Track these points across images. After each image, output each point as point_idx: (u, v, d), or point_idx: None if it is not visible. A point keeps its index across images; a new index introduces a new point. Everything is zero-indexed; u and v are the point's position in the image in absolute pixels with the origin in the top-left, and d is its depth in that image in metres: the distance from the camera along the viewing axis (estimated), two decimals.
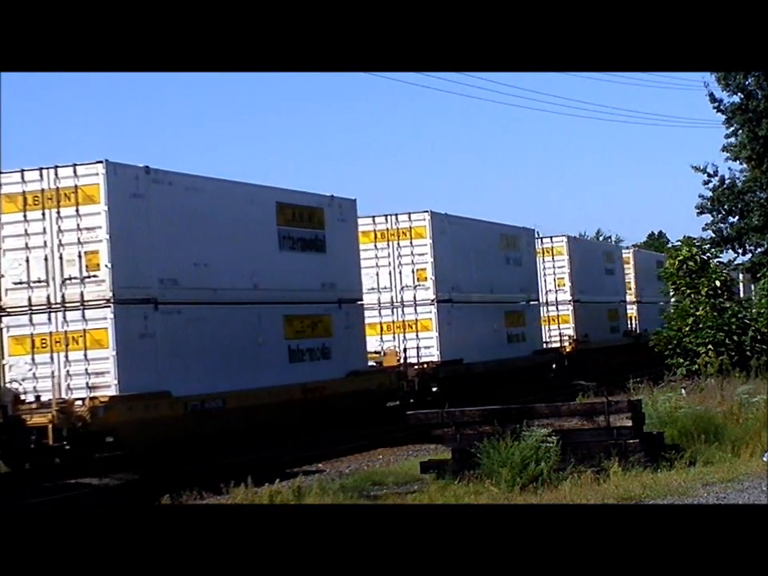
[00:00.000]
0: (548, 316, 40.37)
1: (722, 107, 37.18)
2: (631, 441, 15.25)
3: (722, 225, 38.22)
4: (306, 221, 25.17)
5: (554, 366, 38.58)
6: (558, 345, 39.94)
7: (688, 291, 29.51)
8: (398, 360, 29.05)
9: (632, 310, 49.60)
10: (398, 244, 30.29)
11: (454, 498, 13.97)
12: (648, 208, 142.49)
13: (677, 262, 29.88)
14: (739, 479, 14.03)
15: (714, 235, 37.62)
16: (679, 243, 31.01)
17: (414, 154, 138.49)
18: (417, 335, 30.15)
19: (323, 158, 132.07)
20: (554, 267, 41.07)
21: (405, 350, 29.58)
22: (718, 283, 29.30)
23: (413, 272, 30.04)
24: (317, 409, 24.50)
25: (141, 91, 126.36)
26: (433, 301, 29.99)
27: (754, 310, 30.07)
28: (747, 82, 36.58)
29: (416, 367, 29.27)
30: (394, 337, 30.14)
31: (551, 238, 41.23)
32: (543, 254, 40.47)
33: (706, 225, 38.37)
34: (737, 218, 38.12)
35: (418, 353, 29.88)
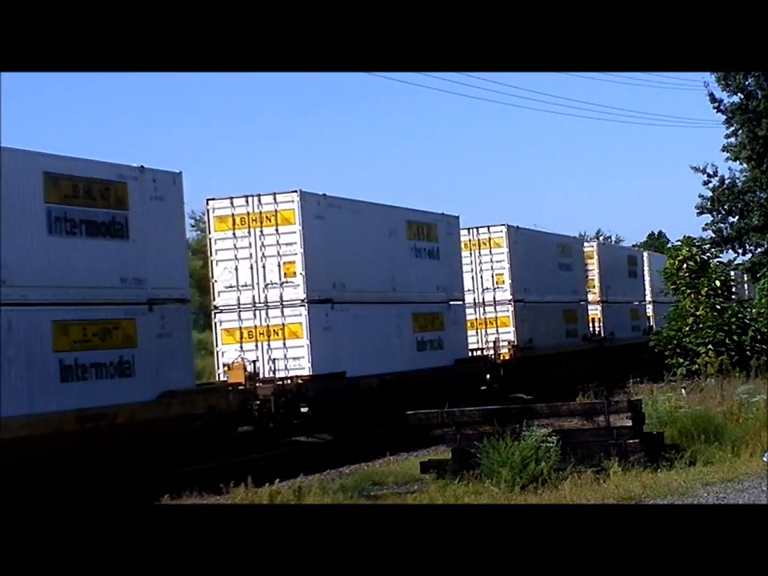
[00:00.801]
0: (485, 318, 34.76)
1: (722, 107, 37.22)
2: (631, 441, 15.25)
3: (722, 225, 38.26)
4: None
5: (487, 376, 32.70)
6: (492, 352, 33.78)
7: (688, 291, 29.50)
8: (247, 375, 23.53)
9: (595, 311, 43.48)
10: (262, 232, 24.87)
11: (454, 498, 13.97)
12: (648, 208, 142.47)
13: (677, 262, 29.86)
14: (739, 479, 14.03)
15: (714, 235, 37.65)
16: (679, 243, 30.97)
17: (413, 154, 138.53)
18: (284, 343, 24.87)
19: (323, 158, 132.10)
20: (491, 261, 35.02)
21: (254, 362, 24.22)
22: (717, 283, 29.28)
23: (279, 266, 24.85)
24: (100, 443, 18.36)
25: (140, 91, 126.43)
26: (303, 301, 24.69)
27: (754, 310, 30.06)
28: (747, 82, 36.61)
29: (273, 383, 24.10)
30: (256, 345, 24.89)
31: (488, 227, 34.93)
32: (479, 246, 34.73)
33: (706, 225, 38.42)
34: (737, 217, 38.16)
35: (285, 365, 24.74)
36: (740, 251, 38.48)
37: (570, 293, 39.88)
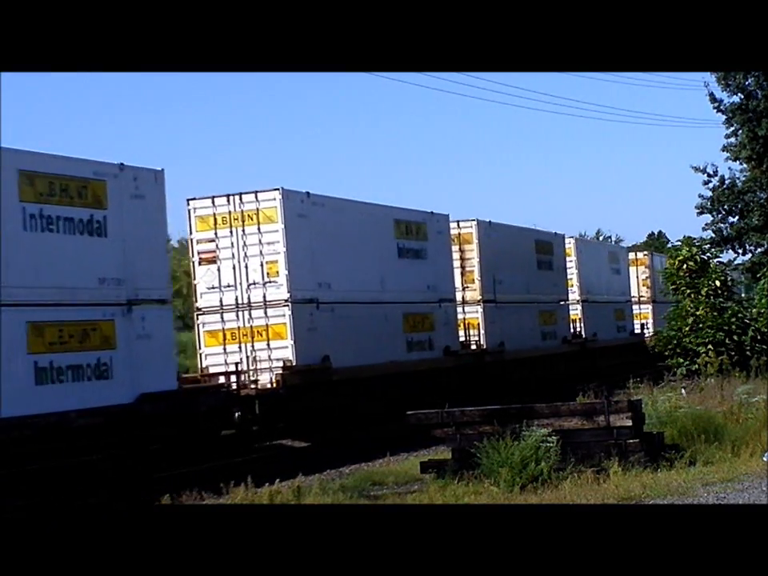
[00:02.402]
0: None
1: (722, 107, 37.22)
2: (631, 441, 15.25)
3: (722, 225, 38.27)
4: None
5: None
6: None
7: (688, 291, 29.51)
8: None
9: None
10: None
11: (454, 498, 13.97)
12: (648, 208, 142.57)
13: (677, 262, 29.87)
14: (739, 479, 14.03)
15: (713, 235, 37.66)
16: (679, 243, 30.99)
17: (413, 154, 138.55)
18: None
19: (322, 158, 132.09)
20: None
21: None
22: (717, 283, 29.29)
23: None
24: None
25: (139, 91, 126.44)
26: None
27: (754, 310, 30.07)
28: (747, 82, 36.62)
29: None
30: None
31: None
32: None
33: (706, 225, 38.43)
34: (737, 217, 38.17)
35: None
36: (740, 251, 38.50)
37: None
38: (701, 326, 28.53)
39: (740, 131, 36.84)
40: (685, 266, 29.64)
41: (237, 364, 23.77)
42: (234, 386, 22.86)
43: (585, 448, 15.21)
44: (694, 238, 31.38)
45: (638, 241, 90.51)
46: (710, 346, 27.88)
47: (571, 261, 41.31)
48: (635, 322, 48.62)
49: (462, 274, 32.99)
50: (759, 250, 38.28)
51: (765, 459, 14.97)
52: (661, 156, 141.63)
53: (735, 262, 37.66)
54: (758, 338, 28.53)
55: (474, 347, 32.34)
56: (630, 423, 15.33)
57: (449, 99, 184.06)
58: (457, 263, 32.56)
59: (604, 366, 40.84)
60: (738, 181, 38.08)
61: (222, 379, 23.19)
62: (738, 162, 37.59)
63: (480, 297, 32.97)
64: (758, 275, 34.41)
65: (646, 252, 52.94)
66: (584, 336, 41.15)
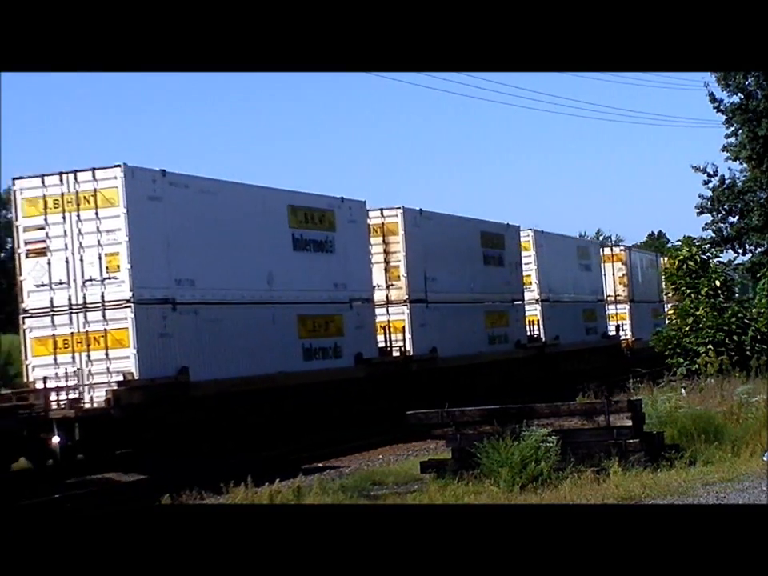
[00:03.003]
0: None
1: (722, 107, 37.20)
2: (631, 441, 15.24)
3: (722, 225, 38.25)
4: None
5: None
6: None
7: (688, 291, 29.48)
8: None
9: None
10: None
11: (454, 498, 13.97)
12: (648, 208, 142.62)
13: (677, 262, 29.85)
14: (739, 479, 14.02)
15: (713, 235, 37.64)
16: (679, 243, 30.96)
17: (413, 154, 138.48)
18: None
19: (321, 158, 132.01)
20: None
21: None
22: (717, 283, 29.27)
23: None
24: None
25: (139, 91, 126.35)
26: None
27: (754, 310, 30.04)
28: (747, 82, 36.61)
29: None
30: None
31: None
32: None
33: (706, 225, 38.42)
34: (737, 217, 38.16)
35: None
36: (740, 251, 38.49)
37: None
38: (701, 325, 28.50)
39: (740, 131, 36.83)
40: (685, 265, 29.62)
41: (45, 378, 19.60)
42: (43, 406, 18.90)
43: (585, 448, 15.20)
44: (694, 238, 31.34)
45: (638, 241, 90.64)
46: (709, 346, 27.83)
47: (529, 256, 36.97)
48: (610, 323, 44.96)
49: (386, 270, 28.92)
50: (759, 249, 38.26)
51: (765, 459, 14.97)
52: (661, 156, 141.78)
53: (735, 262, 37.65)
54: (758, 337, 28.49)
55: (397, 354, 28.41)
56: (630, 423, 15.32)
57: (449, 99, 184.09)
58: (380, 257, 28.80)
59: (569, 371, 37.22)
60: (737, 181, 38.06)
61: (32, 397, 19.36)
62: (737, 161, 37.58)
63: (406, 296, 29.06)
64: (758, 275, 34.40)
65: (622, 247, 48.73)
66: (543, 340, 36.95)
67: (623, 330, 45.93)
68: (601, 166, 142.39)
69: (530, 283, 36.75)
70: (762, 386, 20.91)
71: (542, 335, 37.09)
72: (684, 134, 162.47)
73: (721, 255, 33.09)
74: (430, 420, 16.36)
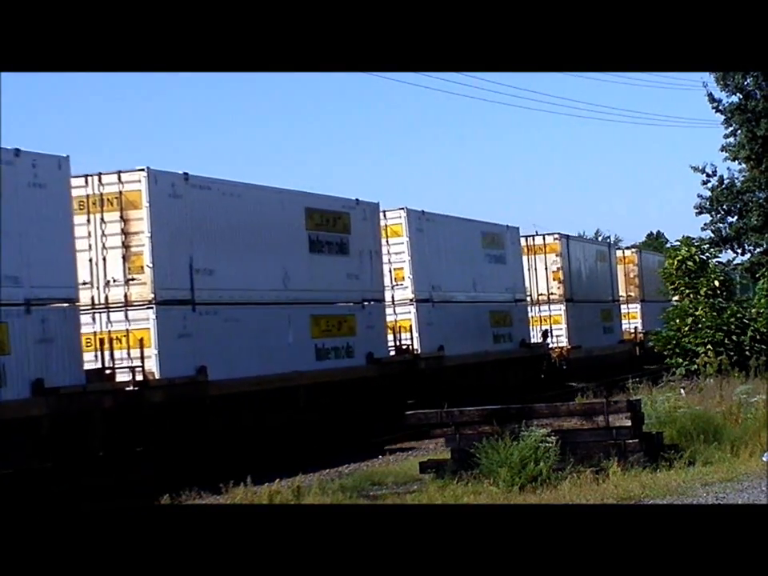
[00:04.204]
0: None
1: (720, 107, 37.25)
2: (630, 441, 15.25)
3: (721, 225, 38.31)
4: None
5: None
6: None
7: (687, 291, 29.51)
8: None
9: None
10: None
11: (453, 498, 13.97)
12: (648, 208, 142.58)
13: (676, 262, 29.87)
14: (738, 479, 14.03)
15: (712, 235, 37.69)
16: (678, 243, 30.99)
17: (414, 153, 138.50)
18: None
19: (321, 159, 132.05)
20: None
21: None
22: (717, 283, 29.30)
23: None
24: None
25: (138, 91, 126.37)
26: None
27: (753, 310, 30.07)
28: (746, 82, 36.66)
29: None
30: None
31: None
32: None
33: (705, 225, 38.47)
34: (736, 217, 38.20)
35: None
36: (739, 251, 38.53)
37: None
38: (700, 326, 28.52)
39: (739, 131, 36.87)
40: (684, 265, 29.64)
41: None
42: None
43: (584, 448, 15.21)
44: (693, 238, 31.39)
45: (637, 240, 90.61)
46: (709, 346, 27.87)
47: (401, 243, 28.55)
48: (536, 327, 36.97)
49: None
50: (758, 250, 38.30)
51: (764, 459, 14.98)
52: (660, 156, 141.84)
53: (734, 262, 37.68)
54: (757, 338, 28.53)
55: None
56: (629, 423, 15.33)
57: (449, 99, 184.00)
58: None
59: (460, 390, 28.30)
60: (736, 181, 38.11)
61: None
62: (736, 161, 37.63)
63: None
64: (758, 275, 34.43)
65: (556, 236, 38.50)
66: (416, 350, 28.29)
67: (554, 336, 37.18)
68: (600, 165, 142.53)
69: (402, 278, 28.61)
70: (762, 386, 20.93)
71: (415, 345, 28.32)
72: (683, 134, 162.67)
73: (720, 255, 33.17)
74: (429, 420, 16.36)
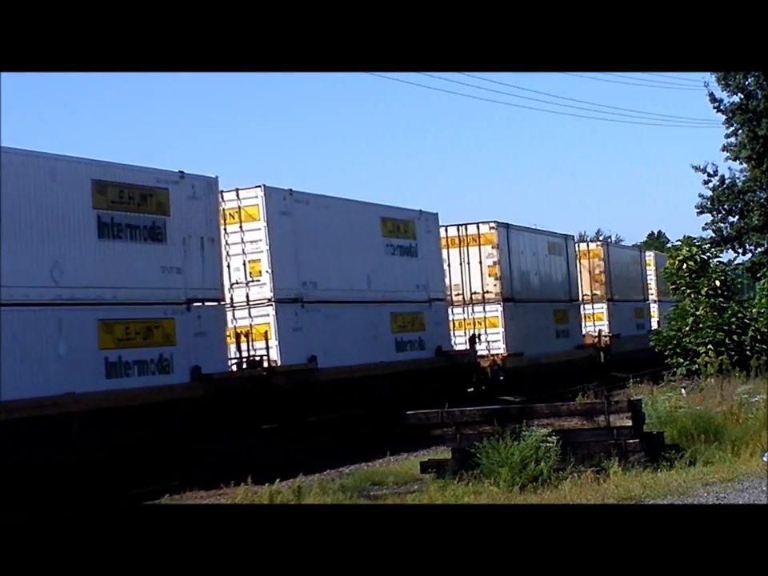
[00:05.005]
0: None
1: (722, 107, 37.25)
2: (631, 441, 15.25)
3: (722, 224, 38.30)
4: None
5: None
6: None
7: (688, 291, 29.51)
8: None
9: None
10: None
11: (454, 498, 13.97)
12: (648, 208, 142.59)
13: (677, 262, 29.87)
14: (739, 479, 14.03)
15: (713, 235, 37.68)
16: (679, 243, 30.98)
17: (413, 153, 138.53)
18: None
19: (321, 158, 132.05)
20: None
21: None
22: (717, 283, 29.29)
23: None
24: None
25: (138, 91, 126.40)
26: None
27: (754, 310, 30.07)
28: (747, 82, 36.66)
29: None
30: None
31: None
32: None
33: (706, 224, 38.46)
34: (737, 217, 38.20)
35: None
36: (740, 251, 38.52)
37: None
38: (701, 325, 28.52)
39: (740, 131, 36.87)
40: (685, 265, 29.64)
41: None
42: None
43: (585, 448, 15.21)
44: (694, 238, 31.37)
45: (638, 240, 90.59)
46: (709, 346, 27.86)
47: (258, 229, 23.58)
48: (463, 332, 32.03)
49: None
50: (759, 249, 38.30)
51: (765, 459, 14.97)
52: (661, 156, 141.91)
53: (735, 262, 37.67)
54: (758, 337, 28.53)
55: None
56: (629, 423, 15.32)
57: (449, 99, 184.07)
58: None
59: (342, 405, 25.04)
60: (737, 180, 38.11)
61: None
62: (737, 161, 37.63)
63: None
64: (758, 275, 34.42)
65: (493, 224, 32.93)
66: (276, 362, 22.99)
67: (489, 341, 32.42)
68: (601, 165, 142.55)
69: (259, 274, 23.64)
70: (762, 385, 20.92)
71: (274, 356, 23.18)
72: (684, 133, 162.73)
73: (721, 255, 33.13)
74: (429, 420, 16.36)
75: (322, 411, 24.44)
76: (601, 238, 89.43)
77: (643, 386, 21.62)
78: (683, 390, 21.28)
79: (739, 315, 28.71)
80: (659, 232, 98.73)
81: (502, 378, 32.18)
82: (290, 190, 24.24)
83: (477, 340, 31.06)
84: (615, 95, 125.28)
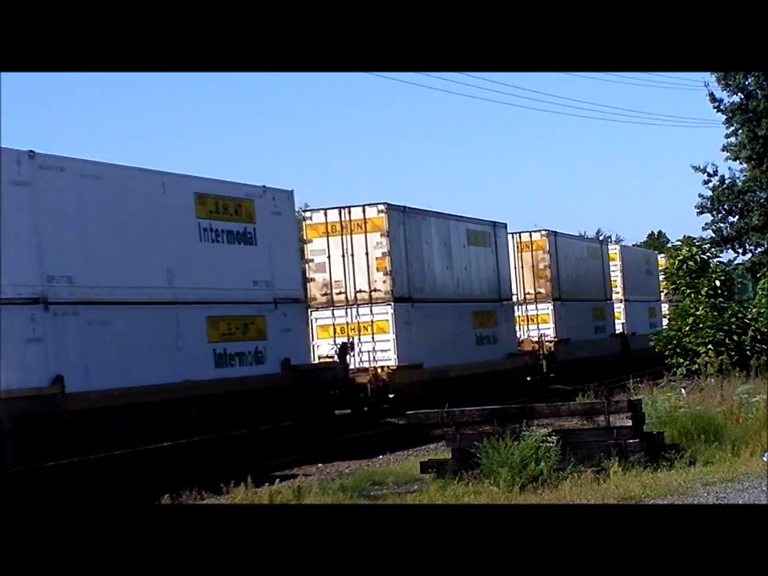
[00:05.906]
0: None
1: (722, 107, 37.22)
2: (631, 441, 15.24)
3: (722, 224, 38.27)
4: None
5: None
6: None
7: (688, 291, 29.50)
8: None
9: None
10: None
11: (454, 498, 13.96)
12: (648, 208, 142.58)
13: (677, 262, 29.86)
14: (739, 479, 14.02)
15: (713, 235, 37.64)
16: (679, 243, 30.97)
17: (413, 153, 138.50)
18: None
19: (320, 159, 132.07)
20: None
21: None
22: (717, 283, 29.28)
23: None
24: None
25: (134, 91, 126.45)
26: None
27: (754, 310, 30.06)
28: (747, 82, 36.63)
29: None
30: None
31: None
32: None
33: (706, 224, 38.42)
34: (737, 217, 38.17)
35: None
36: (740, 251, 38.50)
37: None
38: (701, 325, 28.50)
39: (740, 131, 36.84)
40: (685, 265, 29.63)
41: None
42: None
43: (585, 448, 15.20)
44: (694, 238, 31.36)
45: (638, 240, 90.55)
46: (709, 346, 27.84)
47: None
48: (351, 339, 27.46)
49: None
50: (759, 249, 38.27)
51: (765, 459, 14.97)
52: (661, 156, 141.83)
53: (735, 262, 37.65)
54: (758, 337, 28.51)
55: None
56: (630, 423, 15.31)
57: (449, 99, 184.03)
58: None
59: (107, 443, 19.08)
60: (737, 180, 38.08)
61: None
62: (737, 161, 37.60)
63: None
64: (758, 275, 34.40)
65: (382, 207, 28.46)
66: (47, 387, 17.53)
67: (376, 351, 27.57)
68: (601, 165, 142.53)
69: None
70: (762, 385, 20.92)
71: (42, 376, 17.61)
72: (684, 133, 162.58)
73: (721, 255, 33.12)
74: (430, 420, 16.35)
75: (66, 453, 18.05)
76: (600, 238, 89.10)
77: (643, 386, 21.60)
78: (683, 390, 21.27)
79: (739, 315, 28.69)
80: (659, 232, 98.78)
81: (392, 395, 27.09)
82: (31, 151, 17.53)
83: (350, 350, 25.98)
84: (615, 95, 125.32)
